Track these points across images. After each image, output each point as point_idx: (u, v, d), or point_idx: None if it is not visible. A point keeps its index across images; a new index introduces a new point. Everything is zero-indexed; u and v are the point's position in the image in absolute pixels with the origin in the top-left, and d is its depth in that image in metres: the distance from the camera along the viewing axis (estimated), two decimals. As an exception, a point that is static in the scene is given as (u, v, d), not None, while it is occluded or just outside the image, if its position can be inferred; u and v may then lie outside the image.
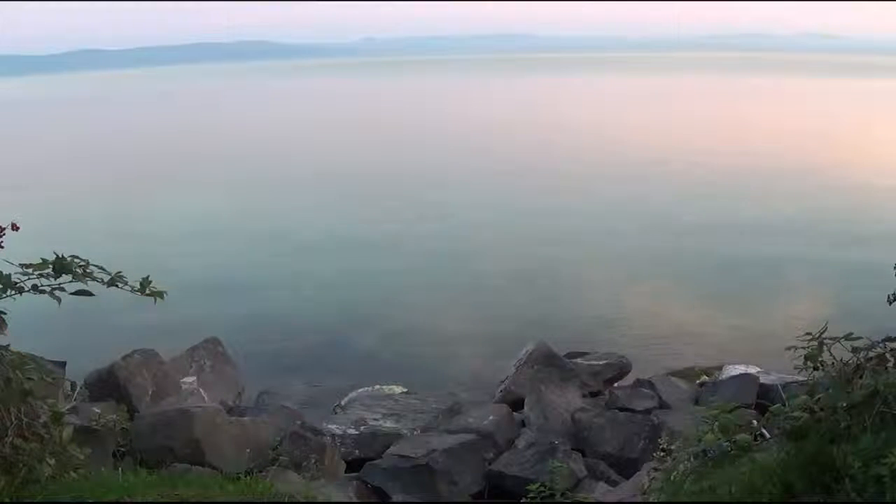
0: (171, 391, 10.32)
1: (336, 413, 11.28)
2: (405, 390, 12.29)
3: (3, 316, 3.73)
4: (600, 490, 8.43)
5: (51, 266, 3.71)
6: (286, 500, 4.46)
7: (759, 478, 3.20)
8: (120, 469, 4.95)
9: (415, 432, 10.16)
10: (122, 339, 12.90)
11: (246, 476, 4.92)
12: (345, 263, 21.27)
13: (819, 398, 3.50)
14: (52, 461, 3.75)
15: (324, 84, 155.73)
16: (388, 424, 10.40)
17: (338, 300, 18.30)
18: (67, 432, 3.93)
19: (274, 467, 7.96)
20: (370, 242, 23.50)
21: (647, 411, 10.46)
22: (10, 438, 3.64)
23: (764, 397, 10.29)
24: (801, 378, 3.97)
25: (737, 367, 12.41)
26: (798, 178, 32.52)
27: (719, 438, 3.82)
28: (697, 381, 12.13)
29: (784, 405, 3.69)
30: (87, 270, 3.78)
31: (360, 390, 12.19)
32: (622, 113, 67.12)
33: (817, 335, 3.70)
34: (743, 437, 3.76)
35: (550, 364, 11.97)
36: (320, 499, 5.82)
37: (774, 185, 30.93)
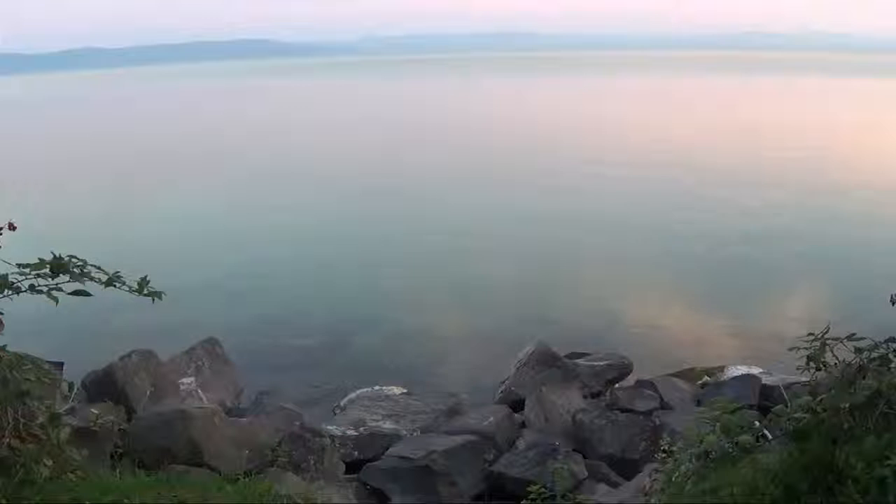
0: (170, 392, 10.29)
1: (335, 414, 11.26)
2: (405, 391, 12.26)
3: (0, 316, 3.70)
4: (601, 491, 8.41)
5: (48, 266, 3.69)
6: (285, 501, 4.44)
7: (762, 479, 3.18)
8: (118, 470, 4.93)
9: (414, 433, 10.14)
10: (119, 339, 12.87)
11: (245, 477, 4.91)
12: (344, 263, 21.26)
13: (821, 399, 3.48)
14: (50, 462, 3.72)
15: (324, 83, 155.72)
16: (388, 425, 10.38)
17: (337, 300, 18.27)
18: (65, 433, 3.90)
19: (273, 468, 7.95)
20: (370, 242, 23.48)
21: (649, 412, 10.43)
22: (7, 439, 3.62)
23: (766, 398, 10.28)
24: (803, 379, 3.95)
25: (739, 367, 12.39)
26: (799, 177, 32.51)
27: (721, 439, 3.81)
28: (699, 382, 12.09)
29: (786, 406, 3.67)
30: (85, 270, 3.75)
31: (359, 391, 12.16)
32: (622, 113, 67.09)
33: (820, 336, 3.68)
34: (745, 438, 3.74)
35: (551, 365, 11.95)
36: (320, 500, 5.81)
37: (776, 185, 30.91)
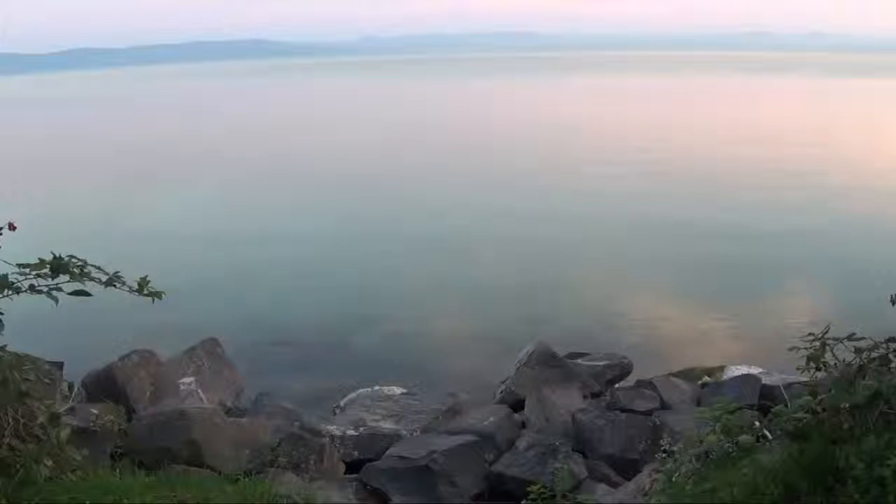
0: (170, 392, 10.28)
1: (335, 414, 11.26)
2: (405, 391, 12.26)
3: (0, 316, 3.70)
4: (601, 491, 8.40)
5: (48, 266, 3.69)
6: (285, 501, 4.44)
7: (762, 479, 3.18)
8: (118, 470, 4.92)
9: (415, 433, 10.13)
10: (119, 339, 12.86)
11: (244, 477, 4.90)
12: (344, 263, 21.26)
13: (821, 399, 3.48)
14: (50, 462, 3.73)
15: (324, 83, 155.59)
16: (388, 425, 10.38)
17: (337, 300, 18.27)
18: (65, 433, 3.91)
19: (273, 468, 7.95)
20: (370, 242, 23.48)
21: (649, 412, 10.41)
22: (7, 439, 3.63)
23: (766, 398, 10.25)
24: (803, 379, 3.96)
25: (739, 367, 12.39)
26: (799, 177, 32.50)
27: (721, 439, 3.81)
28: (699, 382, 12.08)
29: (786, 406, 3.67)
30: (85, 270, 3.76)
31: (359, 391, 12.16)
32: (622, 113, 67.12)
33: (820, 336, 3.68)
34: (745, 438, 3.74)
35: (551, 365, 11.94)
36: (319, 500, 5.80)
37: (776, 185, 30.91)
